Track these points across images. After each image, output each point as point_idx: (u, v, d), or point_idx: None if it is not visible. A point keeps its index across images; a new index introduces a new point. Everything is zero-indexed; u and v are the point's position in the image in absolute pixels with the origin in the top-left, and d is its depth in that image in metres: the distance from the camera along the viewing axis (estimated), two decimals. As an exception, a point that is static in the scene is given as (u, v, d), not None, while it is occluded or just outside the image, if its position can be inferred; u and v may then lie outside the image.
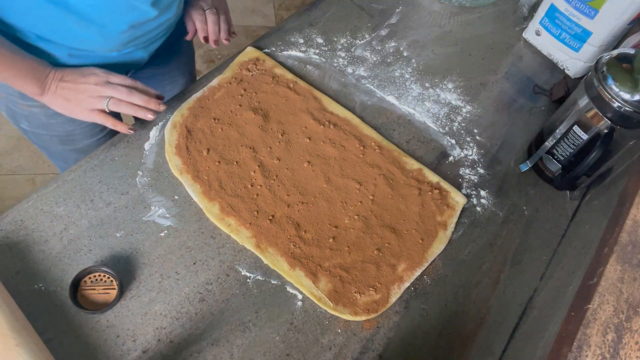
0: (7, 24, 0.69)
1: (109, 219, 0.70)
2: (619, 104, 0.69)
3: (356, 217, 0.74)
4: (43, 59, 0.70)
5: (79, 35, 0.71)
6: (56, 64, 0.74)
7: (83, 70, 0.68)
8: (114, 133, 0.97)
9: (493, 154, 0.86)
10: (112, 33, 0.73)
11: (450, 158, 0.84)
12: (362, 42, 0.97)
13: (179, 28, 0.93)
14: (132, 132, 0.74)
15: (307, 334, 0.65)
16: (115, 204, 0.71)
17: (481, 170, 0.83)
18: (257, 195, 0.74)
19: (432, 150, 0.84)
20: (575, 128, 0.75)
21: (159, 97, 0.76)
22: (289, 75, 0.88)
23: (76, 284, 0.63)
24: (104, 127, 0.93)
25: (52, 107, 0.69)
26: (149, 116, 0.72)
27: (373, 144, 0.81)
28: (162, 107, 0.72)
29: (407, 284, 0.70)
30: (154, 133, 0.79)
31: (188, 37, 0.89)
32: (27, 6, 0.66)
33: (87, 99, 0.67)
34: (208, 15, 0.87)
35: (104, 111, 0.71)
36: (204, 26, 0.87)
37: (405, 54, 0.97)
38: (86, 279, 0.64)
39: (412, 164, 0.80)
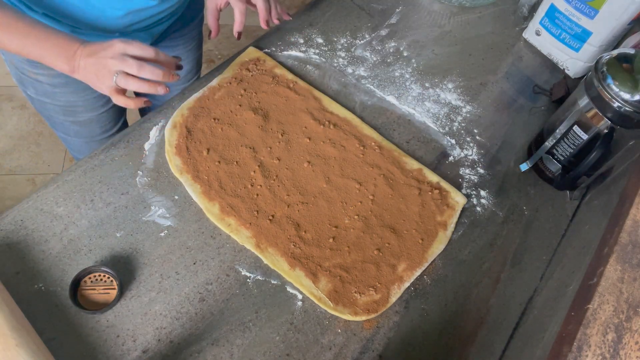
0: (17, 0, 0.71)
1: (109, 219, 0.70)
2: (619, 104, 0.69)
3: (356, 217, 0.74)
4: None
5: (80, 17, 0.74)
6: None
7: (104, 43, 0.64)
8: (116, 109, 0.97)
9: (493, 154, 0.86)
10: (111, 17, 0.74)
11: (450, 158, 0.84)
12: (362, 42, 0.97)
13: (188, 14, 0.94)
14: (149, 104, 0.68)
15: (307, 334, 0.65)
16: (115, 204, 0.71)
17: (481, 170, 0.83)
18: (257, 195, 0.74)
19: (432, 150, 0.84)
20: (575, 128, 0.75)
21: (178, 67, 0.71)
22: (289, 75, 0.88)
23: (76, 284, 0.63)
24: (107, 102, 0.94)
25: (87, 83, 0.67)
26: (159, 90, 0.66)
27: (373, 144, 0.81)
28: (175, 78, 0.66)
29: (407, 284, 0.70)
30: (154, 133, 0.79)
31: (212, 36, 0.86)
32: None
33: (107, 74, 0.64)
34: None
35: (123, 90, 0.66)
36: (243, 19, 0.82)
37: (405, 54, 0.97)
38: (86, 279, 0.64)
39: (412, 164, 0.80)
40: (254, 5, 0.84)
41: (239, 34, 0.84)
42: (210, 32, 0.87)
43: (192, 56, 1.07)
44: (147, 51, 0.65)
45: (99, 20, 0.75)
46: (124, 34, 0.81)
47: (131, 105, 0.67)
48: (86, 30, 0.78)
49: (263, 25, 0.85)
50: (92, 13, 0.73)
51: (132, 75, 0.64)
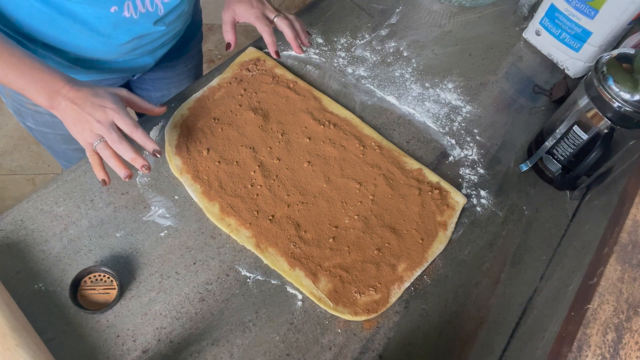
0: (16, 31, 0.70)
1: (109, 219, 0.70)
2: (619, 104, 0.69)
3: (356, 217, 0.74)
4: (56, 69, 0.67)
5: (84, 44, 0.73)
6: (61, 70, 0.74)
7: (95, 99, 0.64)
8: None
9: (493, 154, 0.86)
10: (115, 43, 0.74)
11: (450, 158, 0.84)
12: (362, 42, 0.97)
13: (187, 33, 0.93)
14: (104, 184, 0.66)
15: (307, 334, 0.65)
16: (115, 204, 0.71)
17: (481, 170, 0.83)
18: (257, 195, 0.74)
19: (432, 150, 0.84)
20: (575, 128, 0.75)
21: (155, 153, 0.67)
22: (289, 75, 0.88)
23: (76, 284, 0.63)
24: None
25: (63, 122, 0.66)
26: (122, 174, 0.64)
27: (373, 144, 0.81)
28: (143, 168, 0.65)
29: (407, 284, 0.70)
30: (154, 133, 0.79)
31: (231, 49, 0.86)
32: (36, 16, 0.67)
33: (88, 131, 0.64)
34: (280, 23, 0.85)
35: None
36: (274, 39, 0.85)
37: (405, 54, 0.97)
38: (86, 279, 0.64)
39: (412, 164, 0.80)
40: (273, 22, 0.86)
41: (277, 52, 0.87)
42: (228, 44, 0.87)
43: (193, 74, 1.07)
44: (129, 126, 0.65)
45: (104, 47, 0.74)
46: (127, 59, 0.80)
47: (98, 174, 0.66)
48: (89, 59, 0.76)
49: (297, 52, 0.87)
50: (97, 40, 0.72)
51: (110, 147, 0.64)
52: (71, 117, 0.64)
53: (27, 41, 0.71)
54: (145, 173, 0.66)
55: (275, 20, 0.85)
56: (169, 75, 1.01)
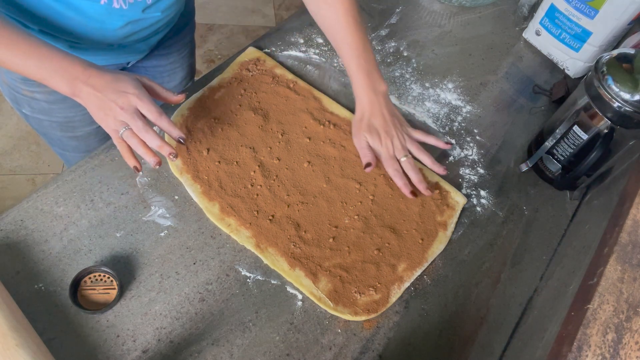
0: (14, 16, 0.70)
1: (109, 219, 0.70)
2: (619, 104, 0.69)
3: (356, 217, 0.74)
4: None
5: (79, 30, 0.73)
6: None
7: (116, 84, 0.63)
8: None
9: (493, 154, 0.86)
10: (110, 29, 0.74)
11: (450, 158, 0.84)
12: (362, 42, 0.97)
13: (181, 21, 0.94)
14: (137, 171, 0.66)
15: (307, 334, 0.65)
16: (115, 204, 0.71)
17: (481, 170, 0.83)
18: (257, 195, 0.74)
19: (432, 150, 0.84)
20: (575, 128, 0.75)
21: (180, 141, 0.67)
22: (289, 75, 0.88)
23: (76, 284, 0.63)
24: None
25: (87, 110, 0.65)
26: (151, 161, 0.64)
27: (373, 144, 0.81)
28: (170, 156, 0.64)
29: (407, 284, 0.70)
30: (154, 133, 0.79)
31: (372, 167, 0.75)
32: (32, 2, 0.67)
33: (112, 118, 0.63)
34: (406, 166, 0.76)
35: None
36: (405, 181, 0.75)
37: (405, 54, 0.97)
38: (86, 279, 0.64)
39: (412, 164, 0.80)
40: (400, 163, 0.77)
41: (413, 192, 0.76)
42: (368, 163, 0.75)
43: (186, 63, 1.07)
44: (153, 114, 0.64)
45: (99, 32, 0.74)
46: (122, 45, 0.81)
47: (129, 162, 0.65)
48: (85, 44, 0.77)
49: (427, 193, 0.76)
50: (91, 25, 0.72)
51: (136, 134, 0.63)
52: (94, 104, 0.64)
53: (25, 28, 0.71)
54: (173, 160, 0.66)
55: (402, 162, 0.77)
56: (163, 64, 1.01)
